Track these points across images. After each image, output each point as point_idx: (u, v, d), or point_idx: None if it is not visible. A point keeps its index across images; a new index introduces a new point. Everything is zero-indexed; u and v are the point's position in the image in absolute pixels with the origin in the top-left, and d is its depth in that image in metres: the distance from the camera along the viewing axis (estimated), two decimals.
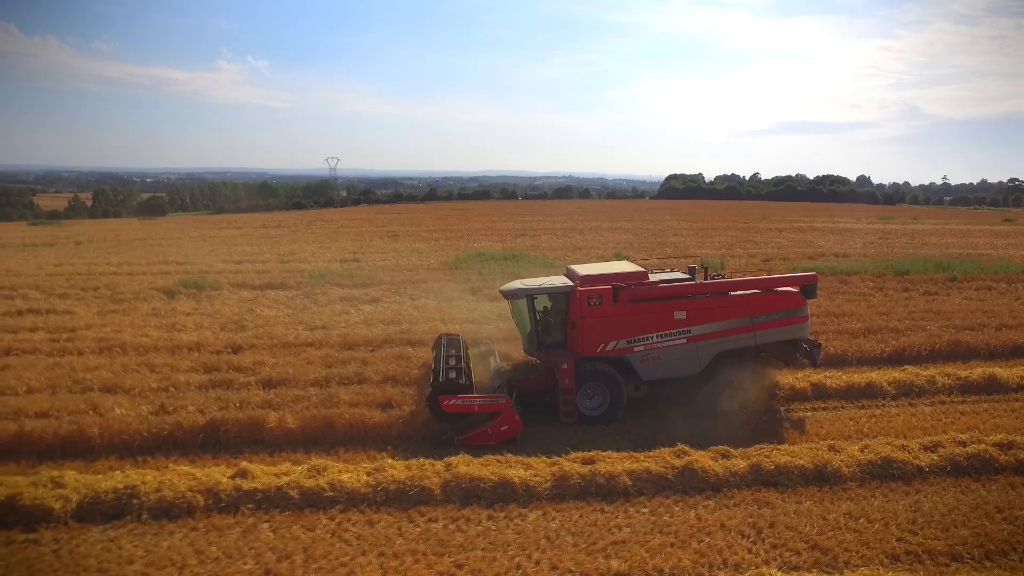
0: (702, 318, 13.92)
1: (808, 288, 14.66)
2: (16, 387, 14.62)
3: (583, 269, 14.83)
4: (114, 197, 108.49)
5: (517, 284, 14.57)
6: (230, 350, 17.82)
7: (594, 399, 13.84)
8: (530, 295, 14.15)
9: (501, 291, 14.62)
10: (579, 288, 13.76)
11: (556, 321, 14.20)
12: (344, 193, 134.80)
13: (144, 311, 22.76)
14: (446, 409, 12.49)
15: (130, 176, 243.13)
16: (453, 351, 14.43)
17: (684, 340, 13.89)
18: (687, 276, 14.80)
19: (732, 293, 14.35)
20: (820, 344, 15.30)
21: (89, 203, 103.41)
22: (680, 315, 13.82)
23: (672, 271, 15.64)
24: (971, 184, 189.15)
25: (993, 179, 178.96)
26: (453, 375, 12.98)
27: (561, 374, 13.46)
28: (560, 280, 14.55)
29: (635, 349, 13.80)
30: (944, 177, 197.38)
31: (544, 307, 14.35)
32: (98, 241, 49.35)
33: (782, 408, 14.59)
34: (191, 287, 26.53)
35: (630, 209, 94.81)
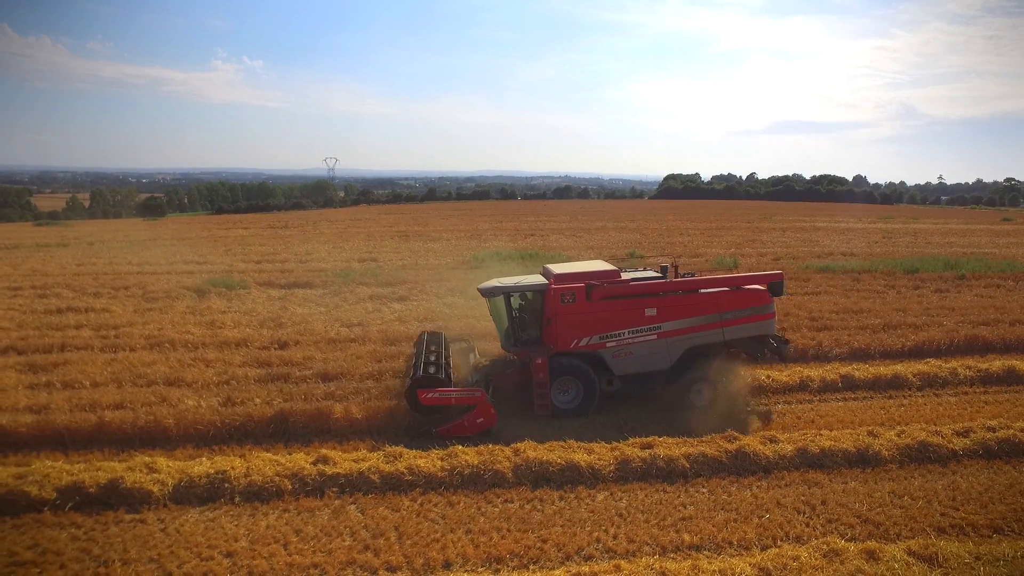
0: (672, 315, 14.37)
1: (775, 286, 15.17)
2: (82, 381, 15.25)
3: (558, 268, 15.37)
4: (112, 198, 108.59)
5: (494, 282, 14.98)
6: (276, 346, 18.43)
7: (567, 393, 14.28)
8: (507, 293, 14.58)
9: (479, 289, 14.97)
10: (553, 286, 14.22)
11: (532, 318, 14.63)
12: (342, 193, 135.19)
13: (180, 309, 23.33)
14: (424, 402, 12.93)
15: (126, 176, 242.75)
16: (433, 347, 14.92)
17: (655, 336, 14.34)
18: (658, 275, 15.18)
19: (701, 291, 14.79)
20: (787, 341, 15.81)
21: (87, 203, 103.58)
22: (651, 312, 14.30)
23: (644, 270, 16.14)
24: (967, 184, 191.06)
25: (989, 179, 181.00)
26: (432, 370, 13.48)
27: (535, 369, 13.96)
28: (536, 279, 15.01)
29: (607, 345, 14.25)
30: (940, 177, 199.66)
31: (520, 304, 14.80)
32: (109, 241, 49.76)
33: (815, 398, 15.35)
34: (220, 286, 27.12)
35: (631, 209, 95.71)
